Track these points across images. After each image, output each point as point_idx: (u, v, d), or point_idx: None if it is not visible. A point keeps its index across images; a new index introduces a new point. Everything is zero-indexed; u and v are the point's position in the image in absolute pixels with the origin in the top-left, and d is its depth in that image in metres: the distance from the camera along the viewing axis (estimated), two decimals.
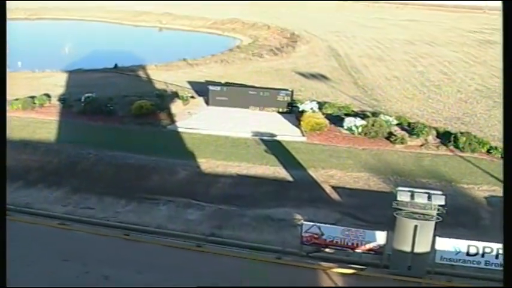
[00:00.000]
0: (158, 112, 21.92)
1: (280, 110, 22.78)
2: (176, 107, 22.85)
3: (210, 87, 23.71)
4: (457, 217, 12.66)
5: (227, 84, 25.35)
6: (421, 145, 18.78)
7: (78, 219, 13.37)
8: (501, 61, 4.12)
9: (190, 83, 28.22)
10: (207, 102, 23.75)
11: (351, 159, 17.69)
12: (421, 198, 10.37)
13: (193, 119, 21.85)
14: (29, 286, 9.94)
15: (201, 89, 25.52)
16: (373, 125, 19.52)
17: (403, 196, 10.40)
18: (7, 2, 4.66)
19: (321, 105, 22.55)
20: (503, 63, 4.29)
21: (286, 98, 22.74)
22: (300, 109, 21.88)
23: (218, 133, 20.10)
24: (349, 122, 19.95)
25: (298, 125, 20.86)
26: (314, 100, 23.26)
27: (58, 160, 17.11)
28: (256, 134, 20.02)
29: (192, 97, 24.53)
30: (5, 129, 4.79)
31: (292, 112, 22.59)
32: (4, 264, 4.39)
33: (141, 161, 17.17)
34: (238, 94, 23.32)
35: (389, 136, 19.30)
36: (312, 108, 21.67)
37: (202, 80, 28.62)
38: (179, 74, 31.40)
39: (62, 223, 12.92)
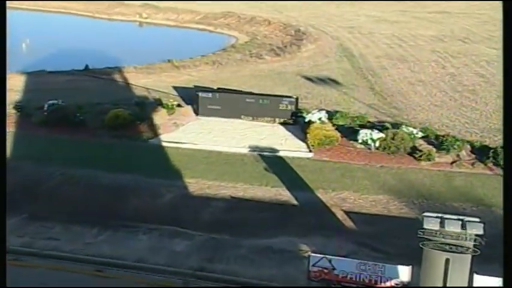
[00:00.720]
0: (138, 123, 22.04)
1: (283, 120, 22.87)
2: (160, 117, 22.96)
3: (200, 94, 23.88)
4: (499, 250, 12.36)
5: (220, 90, 25.50)
6: (452, 162, 18.83)
7: (37, 253, 13.24)
8: (501, 61, 4.54)
9: (176, 88, 28.38)
10: (196, 112, 23.87)
11: (367, 179, 17.73)
12: (453, 226, 10.17)
13: (180, 132, 21.96)
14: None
15: (190, 96, 25.58)
16: (393, 139, 19.62)
17: (431, 223, 10.21)
18: (7, 2, 5.27)
19: (331, 115, 22.67)
20: (504, 63, 4.89)
21: (289, 107, 22.85)
22: (306, 120, 21.95)
23: (209, 148, 20.19)
24: (364, 134, 20.03)
25: (304, 139, 20.90)
26: (323, 109, 23.34)
27: (13, 181, 16.12)
28: (254, 149, 20.08)
29: (179, 105, 24.66)
30: (5, 129, 5.49)
31: (297, 123, 22.64)
32: (4, 264, 4.99)
33: (117, 181, 17.20)
34: (233, 102, 23.47)
35: (413, 151, 19.37)
36: (320, 119, 21.76)
37: (190, 86, 28.74)
38: (163, 78, 31.54)
39: (16, 258, 12.68)
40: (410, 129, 20.69)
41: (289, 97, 23.39)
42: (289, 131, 22.20)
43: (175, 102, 24.44)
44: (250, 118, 23.26)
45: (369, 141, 19.94)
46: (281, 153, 19.81)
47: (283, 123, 22.85)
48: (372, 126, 21.63)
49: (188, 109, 24.40)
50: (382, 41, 42.79)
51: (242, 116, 23.34)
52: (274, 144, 20.67)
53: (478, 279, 10.72)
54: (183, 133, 21.81)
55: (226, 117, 23.27)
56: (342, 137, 20.84)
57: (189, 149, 20.13)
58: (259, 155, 19.66)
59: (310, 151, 20.01)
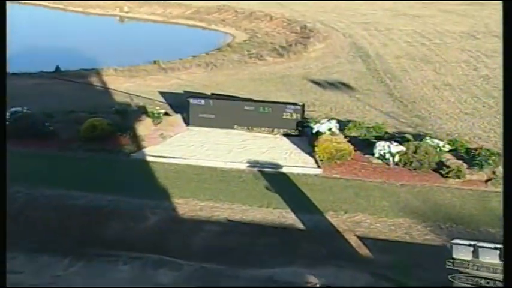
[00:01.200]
0: (118, 134, 22.02)
1: (287, 131, 22.81)
2: (144, 127, 23.00)
3: (191, 101, 23.81)
4: None
5: (214, 96, 25.45)
6: (487, 180, 18.75)
7: None
8: (501, 61, 5.00)
9: (163, 94, 28.40)
10: (186, 121, 23.88)
11: (385, 199, 17.69)
12: (489, 257, 9.95)
13: (167, 144, 21.93)
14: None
15: (179, 103, 25.56)
16: (415, 152, 19.59)
17: (462, 253, 10.09)
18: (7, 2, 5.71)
19: (342, 125, 22.60)
20: (504, 63, 5.50)
21: (294, 116, 22.79)
22: (314, 130, 21.91)
23: (202, 163, 20.16)
24: (381, 147, 19.99)
25: (311, 153, 20.82)
26: (333, 118, 23.25)
27: None
28: (254, 164, 20.03)
29: (166, 114, 24.67)
30: (4, 129, 6.16)
31: (303, 134, 22.59)
32: (4, 264, 5.71)
33: (94, 202, 17.17)
34: (229, 110, 23.44)
35: (440, 167, 19.33)
36: (330, 129, 21.68)
37: (180, 91, 28.75)
38: (148, 82, 31.55)
39: None
40: (436, 141, 20.62)
41: (294, 104, 23.33)
42: (294, 143, 22.10)
43: (162, 110, 24.37)
44: (249, 129, 23.20)
45: (387, 156, 19.85)
46: (285, 170, 19.68)
47: (287, 135, 22.76)
48: (390, 137, 21.51)
49: (177, 118, 24.34)
50: (402, 38, 42.80)
51: (240, 127, 23.30)
52: (276, 158, 20.58)
53: None
54: (171, 146, 21.78)
55: (222, 127, 23.19)
56: (355, 150, 20.56)
57: (178, 165, 20.09)
58: (260, 171, 19.55)
59: (319, 167, 19.88)
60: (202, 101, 23.83)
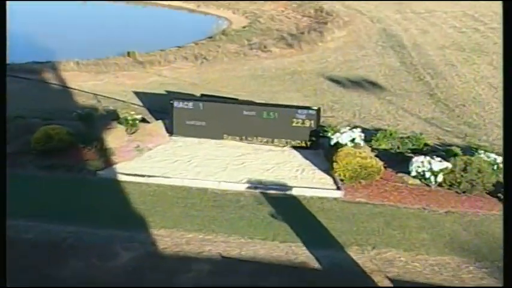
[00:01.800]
0: (81, 147, 22.05)
1: (298, 143, 22.85)
2: (115, 137, 22.94)
3: (176, 104, 23.88)
4: None
5: (205, 98, 25.57)
6: None
7: None
8: (501, 61, 6.22)
9: (139, 95, 28.62)
10: (169, 130, 23.94)
11: (426, 231, 17.60)
12: None
13: (145, 159, 22.00)
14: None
15: (160, 107, 25.74)
16: (464, 170, 19.57)
17: None
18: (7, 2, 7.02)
19: (369, 135, 22.61)
20: (504, 63, 6.69)
21: (308, 123, 22.79)
22: (333, 142, 21.83)
23: (189, 183, 20.14)
24: (420, 164, 19.95)
25: (329, 170, 20.83)
26: (357, 126, 23.19)
27: None
28: (256, 184, 19.99)
29: (144, 120, 24.76)
30: (4, 129, 7.65)
31: (319, 147, 22.66)
32: (4, 264, 7.21)
33: (50, 234, 17.14)
34: (224, 116, 23.50)
35: (497, 190, 19.27)
36: (353, 140, 21.63)
37: (161, 91, 28.91)
38: (120, 80, 31.81)
39: None
40: (492, 156, 20.58)
41: (308, 108, 23.32)
42: (307, 158, 22.06)
43: (139, 116, 24.28)
44: (250, 139, 23.25)
45: (428, 174, 19.77)
46: (295, 192, 19.51)
47: (298, 147, 22.78)
48: (431, 151, 21.58)
49: (157, 126, 24.29)
50: (447, 22, 42.86)
51: (237, 137, 23.35)
52: (284, 178, 20.49)
53: None
54: (150, 161, 21.77)
55: (215, 137, 23.23)
56: (385, 167, 20.51)
57: (158, 185, 19.99)
58: (263, 193, 19.41)
59: (339, 188, 19.75)
60: (190, 104, 23.79)
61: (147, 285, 15.35)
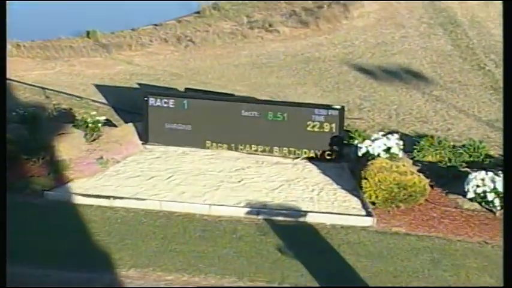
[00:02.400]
0: (24, 158, 21.68)
1: (316, 153, 22.60)
2: (70, 146, 22.41)
3: (152, 101, 23.40)
4: None
5: (191, 93, 25.13)
6: None
7: None
8: (502, 61, 8.40)
9: (103, 89, 28.27)
10: (143, 136, 23.51)
11: (489, 272, 17.00)
12: None
13: (111, 175, 21.64)
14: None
15: (130, 105, 25.57)
16: None
17: None
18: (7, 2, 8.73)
19: (411, 143, 22.29)
20: (504, 63, 8.46)
21: (328, 126, 22.36)
22: (362, 152, 21.34)
23: (170, 207, 19.69)
24: (479, 182, 19.60)
25: (356, 190, 20.38)
26: (394, 131, 22.82)
27: None
28: (258, 208, 19.40)
29: (109, 123, 24.13)
30: (5, 129, 9.84)
31: (343, 158, 22.23)
32: (4, 264, 9.04)
33: None
34: (216, 117, 23.20)
35: None
36: (389, 150, 21.17)
37: (131, 84, 28.80)
38: (78, 69, 31.80)
39: None
40: None
41: (328, 107, 22.70)
42: (327, 173, 21.56)
43: (102, 118, 23.47)
44: (250, 148, 23.11)
45: (490, 196, 19.16)
46: (310, 219, 18.86)
47: (314, 159, 22.32)
48: (495, 165, 21.19)
49: (127, 131, 23.61)
50: None
51: (234, 145, 23.03)
52: (297, 199, 19.89)
53: None
54: (118, 178, 21.13)
55: (203, 146, 22.84)
56: (432, 186, 19.96)
57: (128, 210, 19.43)
58: (268, 220, 18.85)
59: (369, 214, 19.12)
60: (171, 102, 23.25)
61: None
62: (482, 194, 19.38)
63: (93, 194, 20.33)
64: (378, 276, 16.70)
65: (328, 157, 22.53)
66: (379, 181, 19.48)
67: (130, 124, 24.01)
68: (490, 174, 19.52)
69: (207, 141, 23.39)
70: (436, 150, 22.42)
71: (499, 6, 39.35)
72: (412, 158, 21.72)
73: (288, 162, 22.58)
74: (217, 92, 25.56)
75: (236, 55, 34.26)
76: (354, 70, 31.56)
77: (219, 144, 23.42)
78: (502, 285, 9.05)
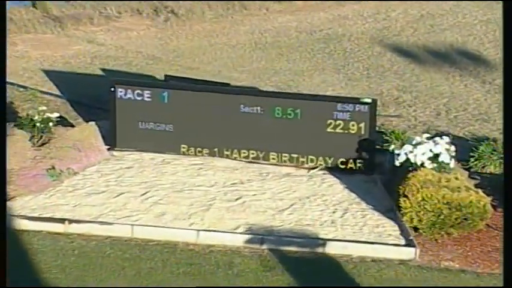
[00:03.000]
0: None
1: (338, 161, 20.99)
2: (12, 151, 20.84)
3: (121, 93, 21.83)
4: None
5: (172, 83, 23.89)
6: None
7: None
8: (501, 61, 13.15)
9: (55, 77, 27.28)
10: (109, 139, 21.93)
11: None
12: None
13: (66, 191, 19.94)
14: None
15: (92, 98, 24.60)
16: None
17: None
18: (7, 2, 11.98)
19: (465, 150, 20.96)
20: (504, 63, 10.31)
21: (355, 126, 20.61)
22: (400, 160, 19.53)
23: (145, 234, 18.23)
24: None
25: (392, 211, 18.76)
26: (444, 133, 21.27)
27: None
28: (262, 235, 17.87)
29: (63, 121, 22.84)
30: (5, 129, 13.63)
31: (374, 168, 20.66)
32: (4, 264, 10.92)
33: None
34: (206, 114, 21.67)
35: None
36: (436, 158, 19.47)
37: (94, 70, 27.70)
38: (22, 49, 30.75)
39: None
40: None
41: (355, 101, 21.10)
42: (353, 189, 19.85)
43: (54, 115, 22.03)
44: (251, 154, 21.53)
45: None
46: (332, 249, 17.01)
47: (337, 169, 20.79)
48: None
49: (88, 132, 22.06)
50: None
51: (230, 151, 21.49)
52: (313, 223, 18.07)
53: None
54: (75, 195, 19.25)
55: (189, 152, 21.38)
56: (494, 206, 17.69)
57: (89, 238, 18.01)
58: (274, 250, 17.07)
59: (410, 243, 17.24)
60: (146, 94, 21.71)
61: None
62: None
63: (42, 216, 18.71)
64: None
65: (355, 167, 20.79)
66: (423, 199, 17.84)
67: (92, 123, 22.24)
68: None
69: (194, 147, 21.68)
70: (501, 158, 20.60)
71: None
72: (468, 169, 19.93)
73: (301, 174, 20.81)
74: (208, 81, 23.83)
75: (233, 32, 32.76)
76: (390, 51, 30.11)
77: (210, 150, 21.77)
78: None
